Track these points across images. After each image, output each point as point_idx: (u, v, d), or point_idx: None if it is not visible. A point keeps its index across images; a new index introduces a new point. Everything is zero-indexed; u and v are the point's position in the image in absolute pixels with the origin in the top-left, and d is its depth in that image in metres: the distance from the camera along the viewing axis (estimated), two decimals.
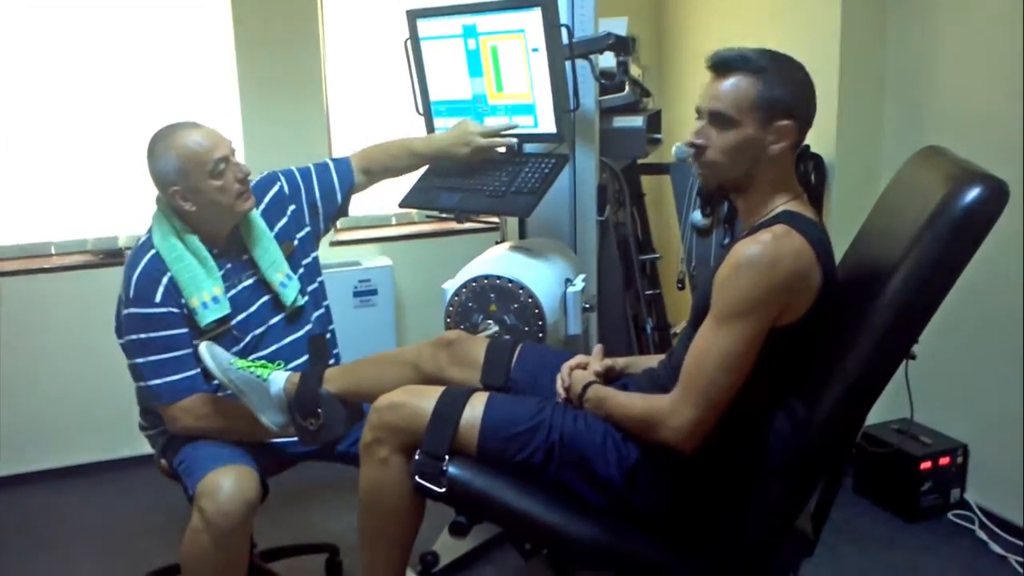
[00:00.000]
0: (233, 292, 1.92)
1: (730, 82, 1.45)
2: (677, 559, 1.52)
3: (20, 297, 3.00)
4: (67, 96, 3.03)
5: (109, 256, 3.07)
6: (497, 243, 2.45)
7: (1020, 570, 2.37)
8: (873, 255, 1.46)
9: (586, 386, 1.60)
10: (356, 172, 2.15)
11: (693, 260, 2.86)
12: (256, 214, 1.97)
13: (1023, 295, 2.38)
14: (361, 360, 1.87)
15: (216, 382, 1.82)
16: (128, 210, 3.06)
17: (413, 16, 2.28)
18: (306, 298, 2.03)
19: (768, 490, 1.44)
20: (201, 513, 1.69)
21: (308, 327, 2.04)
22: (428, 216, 3.41)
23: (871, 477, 2.75)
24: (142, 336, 1.82)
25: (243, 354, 1.90)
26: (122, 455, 3.12)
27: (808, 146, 2.72)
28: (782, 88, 1.45)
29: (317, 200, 2.10)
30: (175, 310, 1.83)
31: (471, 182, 2.18)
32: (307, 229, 2.08)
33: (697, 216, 2.80)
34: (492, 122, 2.22)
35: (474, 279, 2.02)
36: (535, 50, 2.08)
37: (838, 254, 1.51)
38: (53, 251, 3.12)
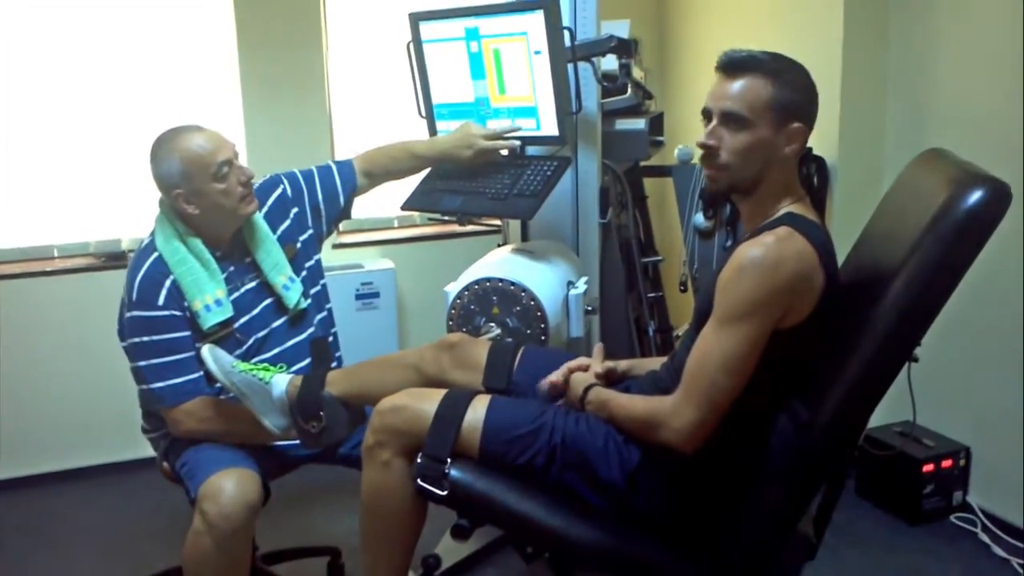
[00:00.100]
0: (236, 295, 1.92)
1: (742, 83, 1.45)
2: (679, 562, 1.52)
3: (22, 300, 3.00)
4: (69, 98, 3.03)
5: (111, 259, 3.07)
6: (499, 246, 2.45)
7: (1022, 572, 2.36)
8: (875, 257, 1.46)
9: (587, 388, 1.60)
10: (359, 175, 2.15)
11: (695, 262, 2.86)
12: (259, 217, 1.97)
13: None
14: (363, 363, 1.87)
15: (218, 385, 1.82)
16: (131, 213, 3.06)
17: (416, 19, 2.28)
18: (309, 301, 2.03)
19: (770, 492, 1.44)
20: (203, 516, 1.69)
21: (311, 330, 2.03)
22: (430, 219, 3.41)
23: (873, 480, 2.75)
24: (145, 339, 1.82)
25: (246, 357, 1.90)
26: (124, 458, 3.12)
27: (811, 148, 2.72)
28: (793, 91, 1.45)
29: (320, 203, 2.10)
30: (178, 313, 1.83)
31: (473, 185, 2.19)
32: (310, 232, 2.08)
33: (699, 218, 2.80)
34: (494, 125, 2.22)
35: (476, 282, 2.02)
36: (537, 53, 2.08)
37: (840, 256, 1.51)
38: (55, 254, 3.12)
